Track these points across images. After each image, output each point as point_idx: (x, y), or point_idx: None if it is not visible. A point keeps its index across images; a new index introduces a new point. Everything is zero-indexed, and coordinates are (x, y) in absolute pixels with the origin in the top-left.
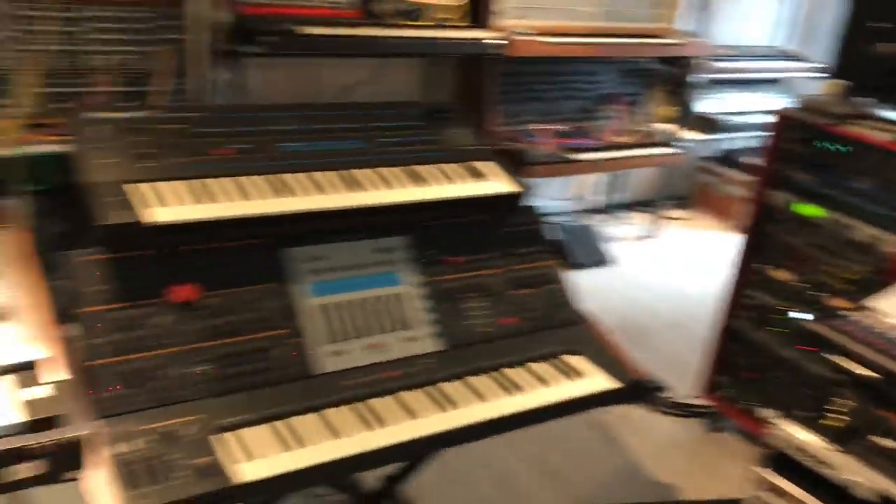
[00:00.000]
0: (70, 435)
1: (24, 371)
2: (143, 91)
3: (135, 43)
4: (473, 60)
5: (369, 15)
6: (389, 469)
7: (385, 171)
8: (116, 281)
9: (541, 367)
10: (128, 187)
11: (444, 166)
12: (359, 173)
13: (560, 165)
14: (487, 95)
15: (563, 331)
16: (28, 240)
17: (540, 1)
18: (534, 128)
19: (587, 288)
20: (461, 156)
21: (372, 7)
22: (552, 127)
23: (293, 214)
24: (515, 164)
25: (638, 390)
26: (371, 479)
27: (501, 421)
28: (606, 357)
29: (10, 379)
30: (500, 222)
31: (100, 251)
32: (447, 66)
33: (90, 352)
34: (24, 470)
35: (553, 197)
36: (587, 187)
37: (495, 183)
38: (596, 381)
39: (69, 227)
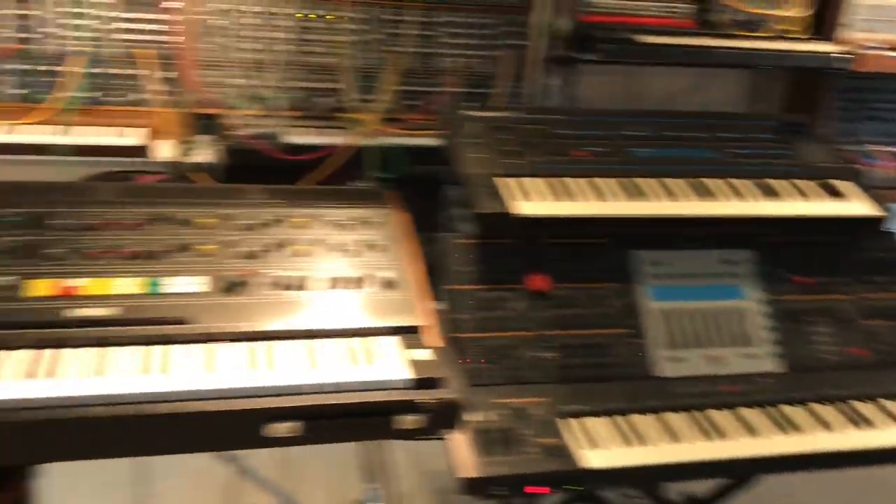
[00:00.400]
0: (450, 396)
1: (408, 334)
2: (483, 93)
3: (480, 48)
4: (809, 74)
5: (704, 24)
6: (692, 487)
7: (736, 182)
8: (481, 264)
9: (895, 407)
10: (497, 181)
11: (799, 182)
12: (709, 182)
13: None
14: (823, 111)
15: None
16: (407, 219)
17: (893, 13)
18: (872, 149)
19: None
20: (817, 172)
21: (708, 17)
22: (893, 150)
23: (644, 218)
24: None
25: None
26: (672, 493)
27: (849, 455)
28: None
29: (398, 339)
30: (857, 246)
31: (468, 236)
32: (777, 78)
33: (456, 325)
34: (409, 422)
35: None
36: None
37: (855, 204)
38: None
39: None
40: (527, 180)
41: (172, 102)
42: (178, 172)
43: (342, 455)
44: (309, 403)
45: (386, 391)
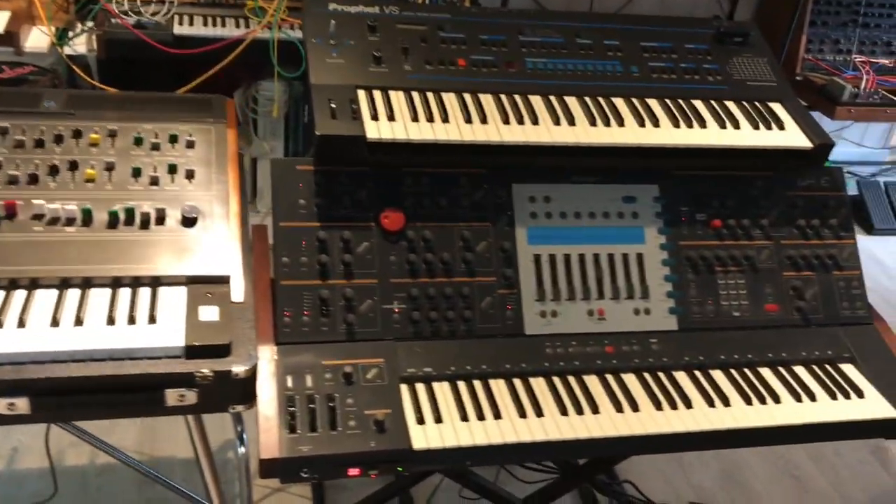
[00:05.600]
0: (230, 368)
1: (206, 284)
2: None
3: None
4: None
5: None
6: None
7: (651, 102)
8: (323, 197)
9: (804, 374)
10: (359, 94)
11: (728, 104)
12: (617, 103)
13: (880, 109)
14: (799, 15)
15: (842, 330)
16: (234, 138)
17: None
18: (852, 59)
19: (884, 259)
20: (751, 93)
21: None
22: (876, 61)
23: (523, 146)
24: (823, 101)
25: None
26: None
27: (735, 434)
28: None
29: (188, 291)
30: (788, 183)
31: (312, 162)
32: None
33: (284, 270)
34: (182, 397)
35: (862, 144)
36: None
37: (790, 133)
38: (873, 404)
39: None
40: (394, 94)
41: None
42: (50, 66)
43: None
44: (42, 377)
45: (152, 360)
